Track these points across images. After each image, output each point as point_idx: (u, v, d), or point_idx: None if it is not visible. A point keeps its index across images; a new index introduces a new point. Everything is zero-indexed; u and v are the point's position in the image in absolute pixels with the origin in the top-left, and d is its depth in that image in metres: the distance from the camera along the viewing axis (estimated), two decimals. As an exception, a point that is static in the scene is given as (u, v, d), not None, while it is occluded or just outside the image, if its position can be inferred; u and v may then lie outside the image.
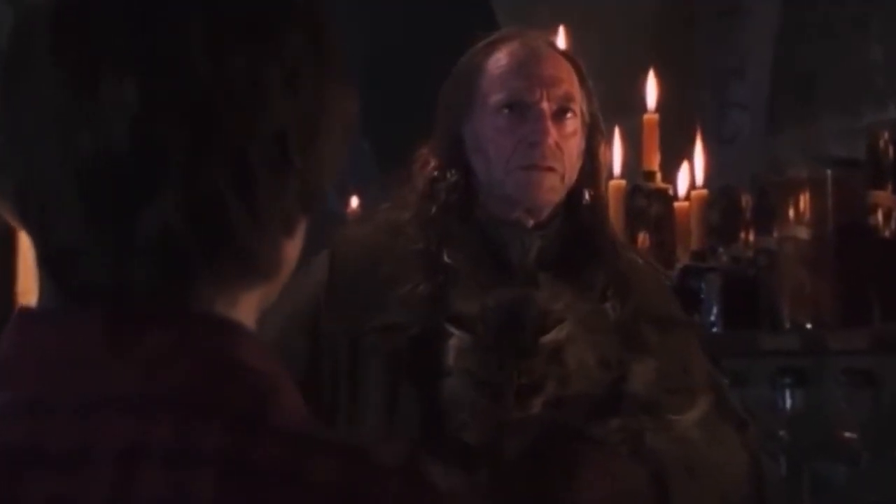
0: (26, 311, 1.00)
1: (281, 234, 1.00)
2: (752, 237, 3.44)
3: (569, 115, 2.16)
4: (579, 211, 2.20)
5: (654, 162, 3.31)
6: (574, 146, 2.16)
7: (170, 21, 0.96)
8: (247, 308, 1.01)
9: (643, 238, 3.34)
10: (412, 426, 2.02)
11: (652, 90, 3.33)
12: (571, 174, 2.16)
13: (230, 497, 0.91)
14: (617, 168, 3.28)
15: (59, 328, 0.98)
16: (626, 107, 3.38)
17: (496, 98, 2.15)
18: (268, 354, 1.00)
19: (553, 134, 2.12)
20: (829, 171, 3.15)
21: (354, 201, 3.96)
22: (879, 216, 3.14)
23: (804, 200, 3.15)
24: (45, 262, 0.99)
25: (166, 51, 0.95)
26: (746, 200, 3.49)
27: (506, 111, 2.14)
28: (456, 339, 2.00)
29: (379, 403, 2.06)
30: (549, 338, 1.96)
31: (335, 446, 0.95)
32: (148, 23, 0.95)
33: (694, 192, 3.29)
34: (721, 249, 3.37)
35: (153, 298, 0.96)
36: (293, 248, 1.03)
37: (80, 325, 0.97)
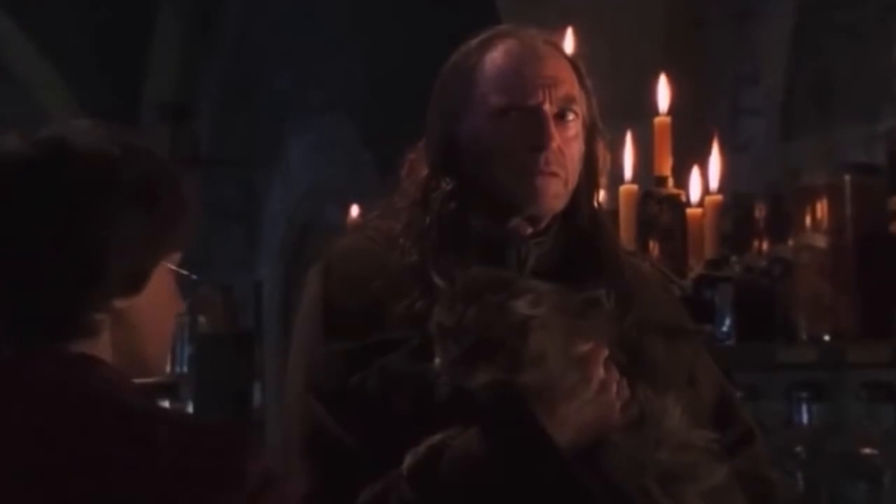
0: None
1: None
2: (765, 246, 3.35)
3: (570, 116, 2.07)
4: (578, 217, 2.11)
5: (665, 167, 3.20)
6: (576, 149, 2.08)
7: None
8: (104, 347, 1.62)
9: (654, 245, 3.23)
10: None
11: (664, 92, 3.22)
12: (574, 179, 2.08)
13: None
14: (628, 173, 3.18)
15: None
16: (634, 112, 3.28)
17: (495, 100, 2.05)
18: (118, 374, 1.61)
19: (556, 138, 2.03)
20: (847, 177, 3.05)
21: (355, 210, 3.91)
22: (901, 223, 3.04)
23: (822, 208, 3.06)
24: None
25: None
26: (759, 209, 3.40)
27: (505, 114, 2.04)
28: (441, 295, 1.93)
29: (382, 417, 1.97)
30: (519, 305, 1.88)
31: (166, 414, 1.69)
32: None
33: (708, 198, 3.18)
34: (734, 258, 3.26)
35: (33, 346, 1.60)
36: (146, 300, 1.64)
37: None
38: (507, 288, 1.90)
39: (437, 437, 1.89)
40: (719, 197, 3.19)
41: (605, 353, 1.95)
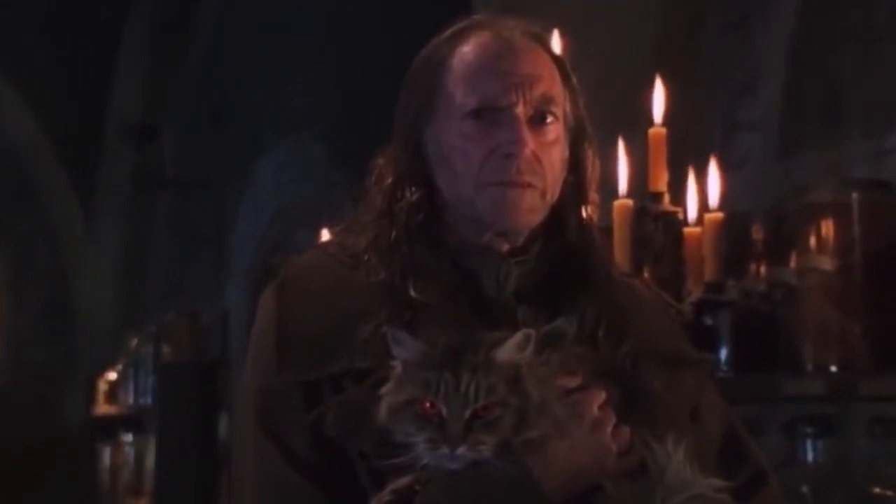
0: None
1: None
2: (763, 270, 3.22)
3: (549, 119, 1.88)
4: (564, 232, 1.92)
5: (661, 181, 3.00)
6: (556, 156, 1.88)
7: None
8: None
9: (648, 266, 3.05)
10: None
11: (659, 100, 3.01)
12: (554, 190, 1.89)
13: None
14: (622, 187, 3.00)
15: None
16: (621, 124, 3.08)
17: (463, 100, 1.86)
18: None
19: (530, 143, 1.84)
20: (855, 195, 2.90)
21: (326, 235, 3.75)
22: (913, 244, 2.92)
23: (828, 227, 2.93)
24: None
25: None
26: (756, 230, 3.28)
27: (474, 116, 1.85)
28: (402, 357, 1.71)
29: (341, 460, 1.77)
30: (504, 354, 1.68)
31: None
32: None
33: (708, 216, 3.02)
34: (731, 283, 3.08)
35: None
36: None
37: None
38: (482, 343, 1.70)
39: (403, 482, 1.70)
40: (720, 215, 3.03)
41: (602, 394, 1.76)
